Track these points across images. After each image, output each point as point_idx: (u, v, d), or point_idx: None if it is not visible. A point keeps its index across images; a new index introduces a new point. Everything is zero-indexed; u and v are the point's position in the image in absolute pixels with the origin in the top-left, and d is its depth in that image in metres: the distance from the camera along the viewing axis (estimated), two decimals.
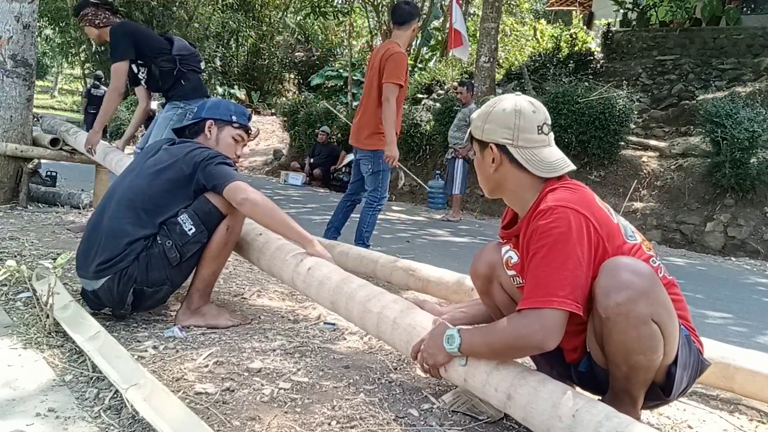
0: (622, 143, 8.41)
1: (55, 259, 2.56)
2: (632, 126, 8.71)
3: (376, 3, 15.64)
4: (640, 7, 12.65)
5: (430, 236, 6.30)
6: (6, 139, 4.47)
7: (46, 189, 5.05)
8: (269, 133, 15.52)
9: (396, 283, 2.96)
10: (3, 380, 1.68)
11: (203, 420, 1.42)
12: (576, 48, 12.65)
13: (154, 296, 2.20)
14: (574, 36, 13.09)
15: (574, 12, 18.70)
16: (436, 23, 17.48)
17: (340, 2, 18.01)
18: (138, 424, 1.47)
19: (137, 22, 17.34)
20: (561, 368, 1.64)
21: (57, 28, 22.70)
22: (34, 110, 4.93)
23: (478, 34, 11.21)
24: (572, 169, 1.55)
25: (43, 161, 4.84)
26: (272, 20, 21.82)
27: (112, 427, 1.47)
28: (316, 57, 20.74)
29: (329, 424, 1.51)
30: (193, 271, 2.26)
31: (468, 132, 1.66)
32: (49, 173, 5.44)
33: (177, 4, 18.70)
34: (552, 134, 1.58)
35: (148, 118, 4.90)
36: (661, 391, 1.50)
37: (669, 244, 7.30)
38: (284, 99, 17.78)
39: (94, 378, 1.73)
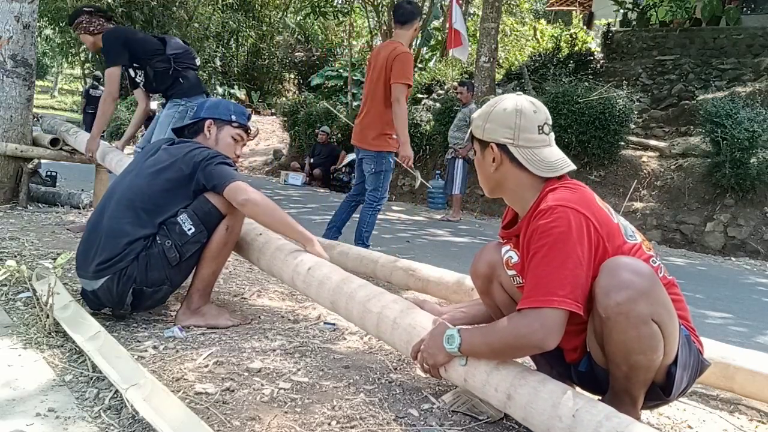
0: (622, 143, 8.41)
1: (55, 259, 2.56)
2: (632, 126, 8.71)
3: (376, 3, 15.62)
4: (640, 7, 12.65)
5: (430, 236, 6.30)
6: (6, 139, 4.47)
7: (46, 189, 5.05)
8: (269, 133, 15.52)
9: (396, 283, 2.96)
10: (3, 380, 1.68)
11: (203, 420, 1.42)
12: (576, 48, 12.66)
13: (154, 296, 2.20)
14: (574, 36, 13.09)
15: (574, 12, 18.70)
16: (436, 23, 17.47)
17: (340, 2, 18.00)
18: (138, 424, 1.47)
19: (137, 22, 17.40)
20: (561, 368, 1.64)
21: (57, 28, 22.70)
22: (34, 110, 4.93)
23: (478, 34, 11.21)
24: (572, 169, 1.55)
25: (43, 161, 4.84)
26: (272, 20, 21.82)
27: (112, 427, 1.47)
28: (316, 57, 20.74)
29: (329, 424, 1.51)
30: (193, 271, 2.26)
31: (469, 131, 1.66)
32: (49, 173, 5.44)
33: (177, 4, 18.68)
34: (552, 134, 1.58)
35: (148, 118, 4.91)
36: (661, 391, 1.50)
37: (669, 244, 7.30)
38: (284, 99, 17.78)
39: (94, 378, 1.73)
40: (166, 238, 2.13)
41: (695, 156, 7.99)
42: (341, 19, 17.57)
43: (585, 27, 15.95)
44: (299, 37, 22.34)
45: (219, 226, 2.19)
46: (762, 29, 11.00)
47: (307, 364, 1.90)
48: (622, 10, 13.12)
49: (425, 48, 17.76)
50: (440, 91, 12.38)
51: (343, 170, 10.75)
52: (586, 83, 8.87)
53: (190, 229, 2.15)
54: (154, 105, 4.10)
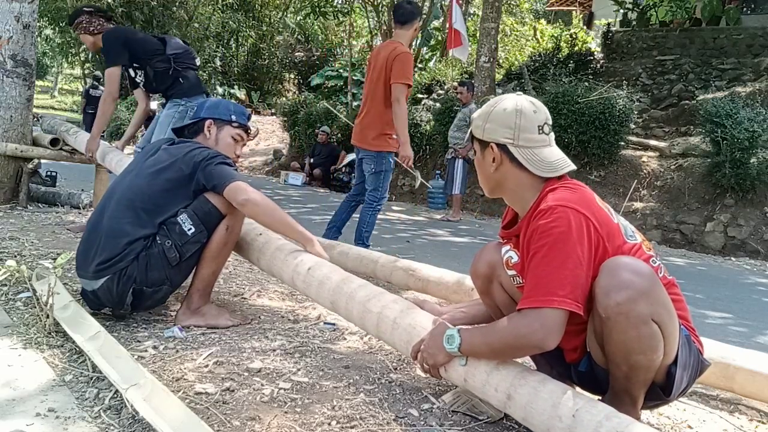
0: (622, 143, 8.41)
1: (55, 259, 2.56)
2: (632, 126, 8.71)
3: (376, 3, 15.62)
4: (640, 7, 12.65)
5: (430, 236, 6.30)
6: (6, 139, 4.47)
7: (46, 189, 5.05)
8: (269, 133, 15.52)
9: (396, 283, 2.96)
10: (3, 380, 1.68)
11: (203, 420, 1.42)
12: (576, 48, 12.66)
13: (154, 296, 2.20)
14: (574, 36, 13.09)
15: (574, 12, 18.70)
16: (436, 23, 17.47)
17: (340, 2, 18.00)
18: (138, 424, 1.47)
19: (137, 22, 17.39)
20: (561, 368, 1.64)
21: (57, 28, 22.70)
22: (34, 110, 4.93)
23: (478, 34, 11.21)
24: (572, 169, 1.55)
25: (43, 161, 4.84)
26: (272, 20, 21.82)
27: (112, 427, 1.47)
28: (316, 57, 20.74)
29: (329, 424, 1.51)
30: (193, 271, 2.26)
31: (469, 131, 1.66)
32: (49, 173, 5.44)
33: (177, 4, 18.68)
34: (552, 134, 1.59)
35: (148, 118, 4.91)
36: (661, 391, 1.50)
37: (669, 244, 7.30)
38: (284, 99, 17.78)
39: (94, 378, 1.73)
40: (166, 238, 2.13)
41: (695, 156, 7.99)
42: (341, 19, 17.57)
43: (585, 27, 15.95)
44: (299, 37, 22.34)
45: (219, 226, 2.19)
46: (762, 29, 11.00)
47: (307, 364, 1.90)
48: (622, 10, 13.12)
49: (425, 48, 17.76)
50: (440, 91, 12.38)
51: (343, 170, 10.75)
52: (586, 83, 8.87)
53: (190, 229, 2.15)
54: (154, 105, 4.11)
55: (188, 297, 2.25)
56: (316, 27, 21.54)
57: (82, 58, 23.64)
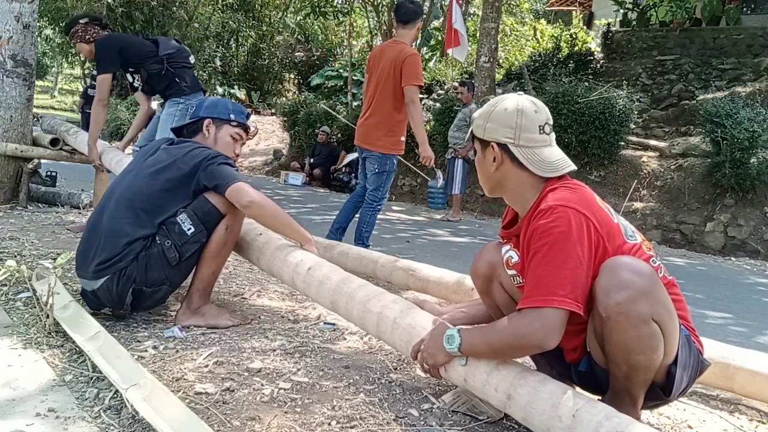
0: (622, 143, 8.41)
1: (55, 259, 2.56)
2: (632, 126, 8.72)
3: (376, 3, 15.61)
4: (640, 7, 12.66)
5: (430, 236, 6.30)
6: (6, 139, 4.47)
7: (46, 189, 5.05)
8: (269, 133, 15.52)
9: (396, 283, 2.96)
10: (3, 380, 1.68)
11: (203, 420, 1.42)
12: (576, 48, 12.66)
13: (153, 296, 2.20)
14: (574, 36, 13.10)
15: (574, 12, 18.71)
16: (436, 23, 17.47)
17: (340, 2, 18.00)
18: (138, 424, 1.47)
19: (137, 22, 17.39)
20: (561, 368, 1.64)
21: (57, 28, 22.67)
22: (34, 110, 4.93)
23: (478, 34, 11.21)
24: (573, 169, 1.55)
25: (43, 161, 4.84)
26: (272, 20, 21.81)
27: (112, 427, 1.47)
28: (316, 57, 20.74)
29: (329, 424, 1.51)
30: (193, 271, 2.26)
31: (469, 131, 1.66)
32: (49, 173, 5.44)
33: (177, 4, 18.68)
34: (553, 134, 1.59)
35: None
36: (661, 391, 1.50)
37: (669, 244, 7.30)
38: (284, 99, 17.78)
39: (94, 378, 1.73)
40: (165, 238, 2.13)
41: (695, 156, 7.99)
42: (341, 19, 17.55)
43: (585, 27, 15.96)
44: (299, 37, 22.34)
45: (218, 225, 2.19)
46: (762, 29, 11.00)
47: (307, 364, 1.90)
48: (622, 10, 13.12)
49: (425, 48, 17.75)
50: (440, 91, 12.39)
51: (343, 170, 10.75)
52: (586, 83, 8.87)
53: (190, 228, 2.14)
54: (154, 105, 4.11)
55: (188, 297, 2.25)
56: (316, 27, 21.54)
57: (82, 58, 23.61)
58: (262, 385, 1.71)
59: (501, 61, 13.44)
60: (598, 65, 11.80)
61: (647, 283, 1.37)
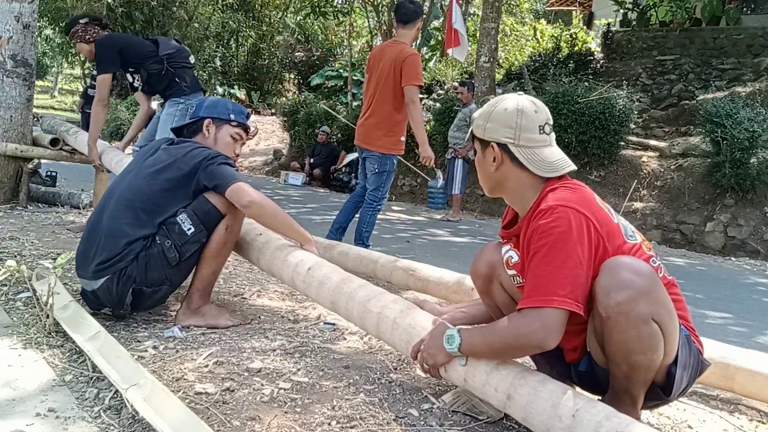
0: (622, 143, 8.41)
1: (55, 259, 2.56)
2: (632, 126, 8.72)
3: (376, 3, 15.61)
4: (640, 7, 12.66)
5: (430, 236, 6.30)
6: (6, 139, 4.47)
7: (46, 189, 5.05)
8: (269, 133, 15.52)
9: (396, 283, 2.96)
10: (3, 380, 1.68)
11: (203, 420, 1.42)
12: (576, 48, 12.66)
13: (154, 296, 2.20)
14: (574, 36, 13.11)
15: (574, 12, 18.71)
16: (436, 23, 17.47)
17: (340, 2, 17.99)
18: (138, 424, 1.47)
19: (137, 22, 17.38)
20: (561, 368, 1.64)
21: (57, 28, 22.67)
22: (34, 110, 4.93)
23: (478, 34, 11.21)
24: (573, 169, 1.55)
25: (43, 161, 4.84)
26: (272, 20, 21.81)
27: (112, 427, 1.47)
28: (316, 57, 20.73)
29: (329, 424, 1.51)
30: (193, 271, 2.26)
31: (470, 131, 1.66)
32: (49, 173, 5.44)
33: (177, 4, 18.68)
34: (553, 134, 1.59)
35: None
36: (661, 391, 1.50)
37: (669, 244, 7.30)
38: (284, 99, 17.78)
39: (94, 378, 1.73)
40: (165, 238, 2.13)
41: (695, 156, 7.99)
42: (341, 19, 17.55)
43: (585, 27, 15.96)
44: (299, 37, 22.33)
45: (218, 225, 2.19)
46: (762, 29, 11.00)
47: (307, 364, 1.90)
48: (622, 10, 13.13)
49: (425, 48, 17.76)
50: (440, 91, 12.39)
51: (343, 170, 10.75)
52: (586, 83, 8.87)
53: (190, 228, 2.14)
54: (154, 104, 4.11)
55: (188, 297, 2.25)
56: (316, 27, 21.53)
57: (81, 58, 23.61)
58: (262, 385, 1.71)
59: (501, 61, 13.44)
60: (598, 65, 11.80)
61: (647, 283, 1.37)
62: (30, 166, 4.59)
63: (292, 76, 21.95)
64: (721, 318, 3.78)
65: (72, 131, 4.61)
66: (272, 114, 17.88)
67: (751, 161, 7.05)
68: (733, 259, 6.71)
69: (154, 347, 1.98)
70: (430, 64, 17.05)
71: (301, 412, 1.56)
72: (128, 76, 3.84)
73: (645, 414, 1.72)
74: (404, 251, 4.87)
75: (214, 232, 2.19)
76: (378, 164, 3.84)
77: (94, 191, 4.71)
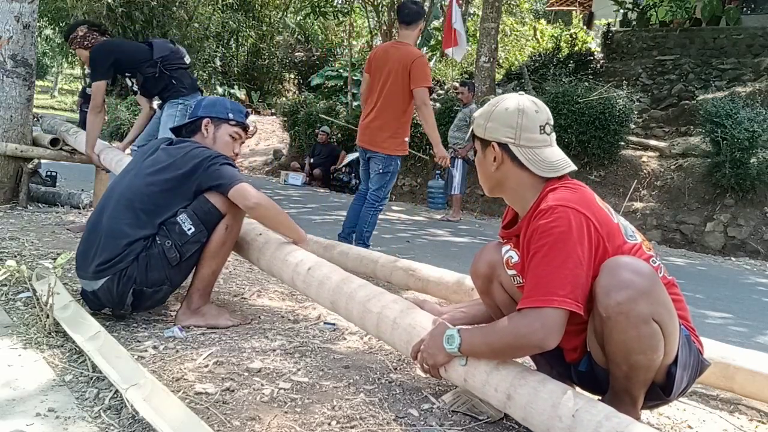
0: (622, 143, 8.42)
1: (55, 259, 2.56)
2: (632, 126, 8.72)
3: (376, 3, 15.61)
4: (640, 7, 12.66)
5: (430, 236, 6.30)
6: (6, 139, 4.47)
7: (46, 189, 5.05)
8: (269, 133, 15.52)
9: (396, 283, 2.96)
10: (3, 380, 1.68)
11: (203, 420, 1.42)
12: (576, 48, 12.67)
13: (154, 296, 2.20)
14: (574, 36, 13.12)
15: (574, 12, 18.71)
16: (436, 23, 17.47)
17: (340, 2, 17.99)
18: (138, 424, 1.47)
19: (137, 22, 17.38)
20: (561, 368, 1.64)
21: (57, 28, 22.68)
22: (34, 110, 4.93)
23: (478, 34, 11.21)
24: (573, 170, 1.55)
25: (43, 161, 4.84)
26: (272, 20, 21.81)
27: (112, 427, 1.47)
28: (316, 57, 20.73)
29: (329, 424, 1.51)
30: (193, 271, 2.26)
31: (470, 130, 1.66)
32: (49, 173, 5.44)
33: (177, 4, 18.67)
34: (554, 134, 1.59)
35: None
36: (661, 391, 1.50)
37: (669, 244, 7.30)
38: (284, 99, 17.77)
39: (94, 378, 1.73)
40: (165, 239, 2.13)
41: (695, 156, 7.99)
42: (341, 19, 17.55)
43: (585, 27, 15.97)
44: (299, 37, 22.33)
45: (218, 225, 2.19)
46: (762, 29, 11.01)
47: (307, 364, 1.90)
48: (622, 10, 13.13)
49: (425, 48, 17.76)
50: (440, 91, 12.38)
51: (343, 170, 10.75)
52: (586, 83, 8.87)
53: (190, 228, 2.14)
54: (154, 104, 4.12)
55: (188, 297, 2.25)
56: (316, 27, 21.53)
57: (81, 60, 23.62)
58: (262, 385, 1.71)
59: (501, 61, 13.45)
60: (598, 65, 11.80)
61: (647, 283, 1.37)
62: (30, 166, 4.59)
63: (292, 76, 21.95)
64: (721, 318, 3.78)
65: (72, 131, 4.62)
66: (272, 114, 17.88)
67: (751, 161, 7.05)
68: (733, 259, 6.71)
69: (154, 347, 1.98)
70: (430, 64, 17.04)
71: (301, 412, 1.56)
72: (127, 80, 3.85)
73: (645, 414, 1.72)
74: (404, 251, 4.87)
75: (214, 232, 2.19)
76: (382, 165, 3.85)
77: (94, 191, 4.71)
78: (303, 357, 1.97)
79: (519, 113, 1.53)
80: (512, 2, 17.41)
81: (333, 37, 21.38)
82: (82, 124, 6.75)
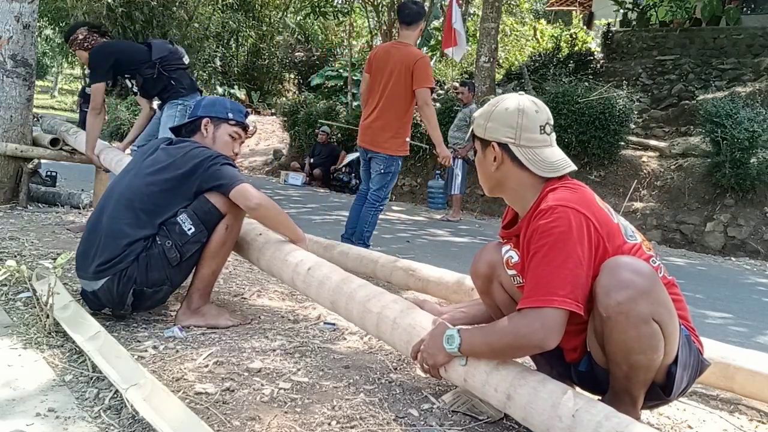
0: (622, 143, 8.41)
1: (55, 259, 2.56)
2: (632, 126, 8.72)
3: (376, 3, 15.61)
4: (640, 7, 12.66)
5: (430, 236, 6.30)
6: (6, 139, 4.47)
7: (46, 189, 5.05)
8: (269, 133, 15.52)
9: (396, 283, 2.96)
10: (3, 380, 1.68)
11: (203, 420, 1.42)
12: (576, 48, 12.68)
13: (154, 296, 2.20)
14: (574, 36, 13.12)
15: (574, 12, 18.71)
16: (436, 23, 17.47)
17: (340, 2, 17.99)
18: (138, 424, 1.47)
19: (137, 22, 17.38)
20: (561, 368, 1.64)
21: (57, 28, 22.68)
22: (34, 110, 4.93)
23: (478, 34, 11.21)
24: (573, 170, 1.55)
25: (43, 161, 4.84)
26: (272, 20, 21.80)
27: (112, 427, 1.47)
28: (316, 57, 20.73)
29: (329, 424, 1.51)
30: (193, 271, 2.26)
31: (470, 130, 1.66)
32: (49, 173, 5.44)
33: (177, 4, 18.67)
34: (554, 134, 1.59)
35: None
36: (661, 391, 1.50)
37: (669, 244, 7.30)
38: (284, 99, 17.77)
39: (94, 378, 1.73)
40: (166, 239, 2.13)
41: (695, 156, 7.99)
42: (341, 19, 17.55)
43: (585, 27, 15.97)
44: (299, 37, 22.33)
45: (218, 225, 2.19)
46: (762, 29, 11.01)
47: (307, 364, 1.90)
48: (622, 10, 13.13)
49: (425, 48, 17.76)
50: (440, 91, 12.37)
51: (343, 170, 10.75)
52: (586, 83, 8.87)
53: (190, 228, 2.14)
54: (154, 104, 4.13)
55: (188, 297, 2.25)
56: (316, 27, 21.53)
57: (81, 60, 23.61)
58: (262, 385, 1.71)
59: (501, 61, 13.45)
60: (598, 65, 11.80)
61: (647, 283, 1.37)
62: (30, 166, 4.59)
63: (292, 76, 21.94)
64: (721, 318, 3.78)
65: (72, 131, 4.62)
66: (272, 114, 17.87)
67: (751, 161, 7.05)
68: (733, 259, 6.71)
69: (154, 347, 1.98)
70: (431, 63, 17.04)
71: (301, 412, 1.56)
72: (127, 81, 3.86)
73: (645, 414, 1.72)
74: (404, 251, 4.87)
75: (214, 232, 2.19)
76: (384, 165, 3.86)
77: (94, 191, 4.71)
78: (303, 357, 1.97)
79: (519, 113, 1.53)
80: (512, 2, 17.41)
81: (333, 37, 21.38)
82: (81, 123, 6.76)
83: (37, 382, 1.69)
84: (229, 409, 1.56)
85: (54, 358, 1.86)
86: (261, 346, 2.04)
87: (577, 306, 1.38)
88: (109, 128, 14.79)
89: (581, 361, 1.59)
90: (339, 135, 11.50)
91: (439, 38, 16.35)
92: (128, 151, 4.25)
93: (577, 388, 1.55)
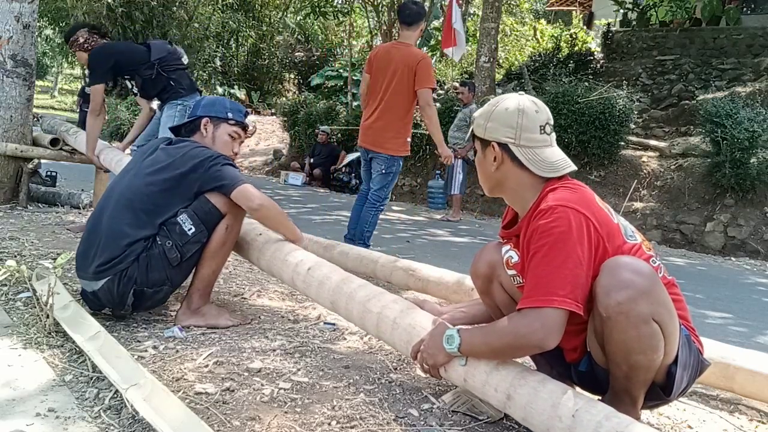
0: (622, 143, 8.41)
1: (55, 259, 2.56)
2: (632, 126, 8.71)
3: (376, 3, 15.60)
4: (640, 7, 12.66)
5: (430, 236, 6.30)
6: (6, 139, 4.47)
7: (46, 189, 5.05)
8: (269, 133, 15.51)
9: (396, 283, 2.96)
10: (3, 380, 1.68)
11: (203, 420, 1.42)
12: (576, 48, 12.67)
13: (155, 297, 2.20)
14: (574, 36, 13.12)
15: (574, 12, 18.71)
16: (436, 23, 17.46)
17: (340, 2, 17.99)
18: (138, 424, 1.47)
19: (137, 22, 17.37)
20: (561, 368, 1.64)
21: (57, 28, 22.68)
22: (34, 110, 4.93)
23: (478, 34, 11.21)
24: (573, 170, 1.55)
25: (43, 161, 4.84)
26: (272, 20, 21.80)
27: (112, 427, 1.47)
28: (316, 57, 20.73)
29: (329, 424, 1.51)
30: (193, 271, 2.26)
31: (470, 130, 1.66)
32: (49, 173, 5.44)
33: (177, 4, 18.66)
34: (554, 134, 1.59)
35: None
36: (661, 391, 1.50)
37: (669, 244, 7.29)
38: (284, 99, 17.76)
39: (94, 378, 1.73)
40: (166, 239, 2.13)
41: (695, 156, 7.99)
42: (341, 19, 17.54)
43: (585, 27, 15.97)
44: (299, 37, 22.33)
45: (219, 225, 2.19)
46: (762, 29, 11.01)
47: (307, 364, 1.90)
48: (622, 10, 13.13)
49: (425, 48, 17.75)
50: (440, 91, 12.37)
51: (343, 170, 10.75)
52: (586, 83, 8.87)
53: (191, 229, 2.14)
54: (154, 105, 4.13)
55: (188, 297, 2.25)
56: (316, 27, 21.53)
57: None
58: (262, 385, 1.71)
59: (501, 61, 13.46)
60: (598, 65, 11.80)
61: (647, 283, 1.37)
62: (30, 166, 4.59)
63: (292, 76, 21.94)
64: (721, 318, 3.78)
65: (72, 131, 4.62)
66: (272, 114, 17.87)
67: (751, 161, 7.05)
68: (733, 259, 6.71)
69: (154, 347, 1.98)
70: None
71: (301, 412, 1.56)
72: (126, 82, 3.86)
73: (645, 414, 1.72)
74: (404, 251, 4.87)
75: (214, 232, 2.19)
76: (385, 165, 3.86)
77: (94, 191, 4.71)
78: (303, 357, 1.97)
79: (519, 113, 1.53)
80: (512, 2, 17.41)
81: (333, 37, 21.38)
82: (81, 123, 6.76)
83: (37, 382, 1.69)
84: (229, 409, 1.56)
85: (54, 358, 1.86)
86: (261, 346, 2.04)
87: (576, 306, 1.38)
88: (109, 128, 14.79)
89: (581, 361, 1.59)
90: (339, 135, 11.51)
91: (439, 38, 16.35)
92: (128, 151, 4.25)
93: (577, 388, 1.55)
